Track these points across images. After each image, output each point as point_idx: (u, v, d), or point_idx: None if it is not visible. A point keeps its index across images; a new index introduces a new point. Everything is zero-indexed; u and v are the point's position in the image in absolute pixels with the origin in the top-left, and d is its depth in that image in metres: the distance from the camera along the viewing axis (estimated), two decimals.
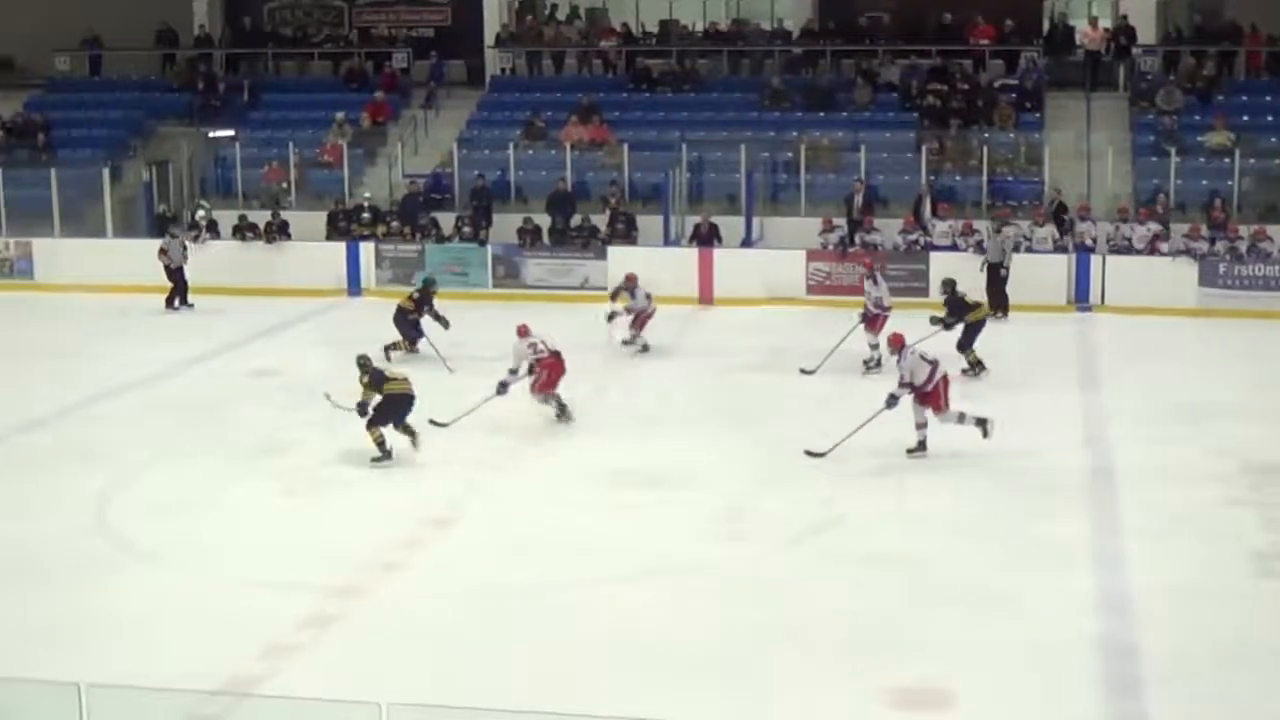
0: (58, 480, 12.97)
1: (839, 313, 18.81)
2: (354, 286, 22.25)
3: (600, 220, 22.70)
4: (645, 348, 17.91)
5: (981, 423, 13.23)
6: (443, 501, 12.36)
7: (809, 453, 13.16)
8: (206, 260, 22.56)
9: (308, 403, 14.69)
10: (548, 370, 14.34)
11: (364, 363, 13.30)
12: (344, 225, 23.15)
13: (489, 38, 27.59)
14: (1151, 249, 20.58)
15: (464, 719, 6.91)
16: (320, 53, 29.05)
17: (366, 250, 22.53)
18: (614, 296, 18.12)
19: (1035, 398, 15.68)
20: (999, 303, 19.95)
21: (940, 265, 20.65)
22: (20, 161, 25.38)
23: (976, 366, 16.56)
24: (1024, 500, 12.26)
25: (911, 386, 13.08)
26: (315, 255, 22.56)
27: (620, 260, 21.71)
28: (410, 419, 13.39)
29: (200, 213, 23.40)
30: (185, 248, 21.56)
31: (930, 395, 13.15)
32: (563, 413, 14.51)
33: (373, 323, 18.03)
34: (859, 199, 22.13)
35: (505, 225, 23.04)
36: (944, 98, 24.30)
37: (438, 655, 9.27)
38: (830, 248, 21.45)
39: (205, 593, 10.39)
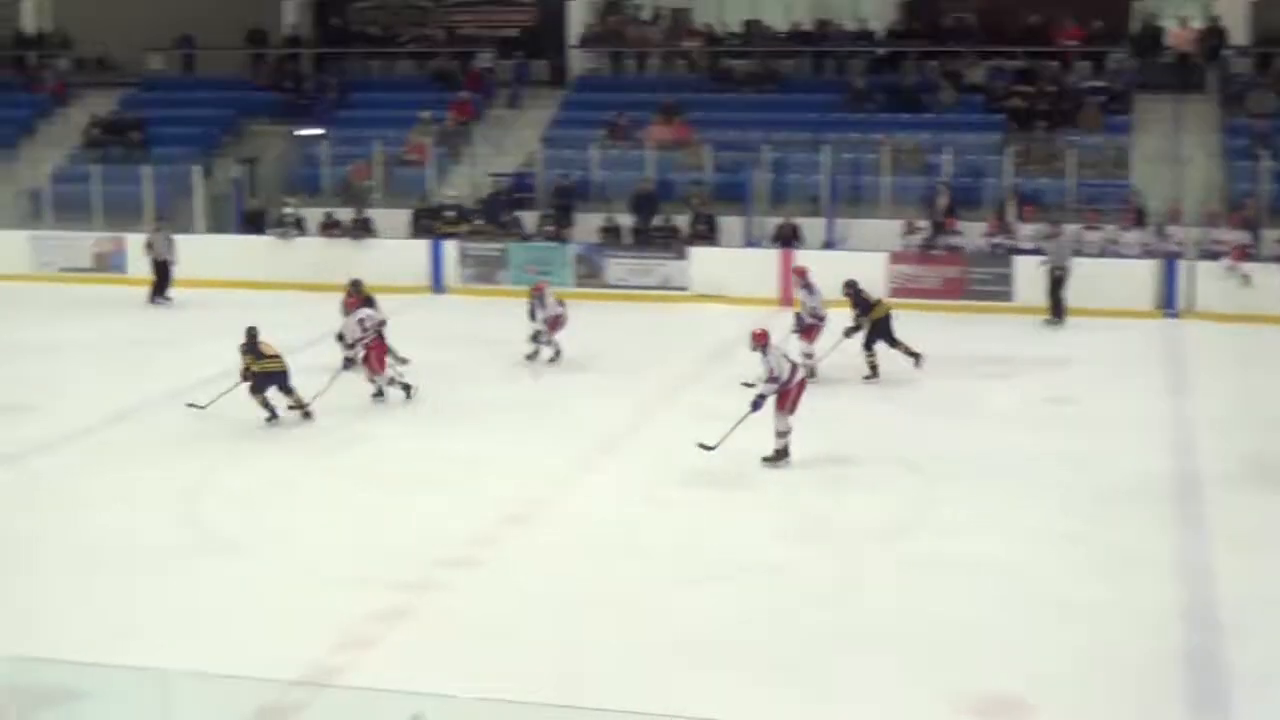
0: (142, 471, 13.20)
1: (922, 315, 18.75)
2: (437, 284, 22.43)
3: (682, 220, 22.70)
4: (557, 353, 17.46)
5: (779, 451, 13.16)
6: (517, 500, 12.40)
7: (701, 445, 13.11)
8: (292, 257, 22.91)
9: (388, 399, 14.93)
10: (373, 350, 15.08)
11: (250, 331, 14.57)
12: (428, 223, 23.36)
13: (573, 38, 27.71)
14: (1241, 256, 20.18)
15: (536, 714, 6.95)
16: (407, 52, 29.28)
17: (450, 248, 22.74)
18: (532, 315, 17.43)
19: (1122, 403, 15.51)
20: (1055, 307, 19.75)
21: (1025, 269, 20.50)
22: (115, 158, 25.90)
23: (872, 370, 16.48)
24: (1108, 507, 12.09)
25: (778, 382, 13.08)
26: (399, 252, 22.78)
27: (701, 261, 21.79)
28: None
29: (287, 210, 23.73)
30: (170, 241, 21.87)
31: (782, 395, 13.18)
32: (405, 387, 15.34)
33: (454, 320, 18.16)
34: (942, 201, 21.98)
35: (587, 224, 23.17)
36: (1030, 99, 24.05)
37: (510, 651, 9.30)
38: (913, 250, 21.31)
39: (284, 585, 10.51)
